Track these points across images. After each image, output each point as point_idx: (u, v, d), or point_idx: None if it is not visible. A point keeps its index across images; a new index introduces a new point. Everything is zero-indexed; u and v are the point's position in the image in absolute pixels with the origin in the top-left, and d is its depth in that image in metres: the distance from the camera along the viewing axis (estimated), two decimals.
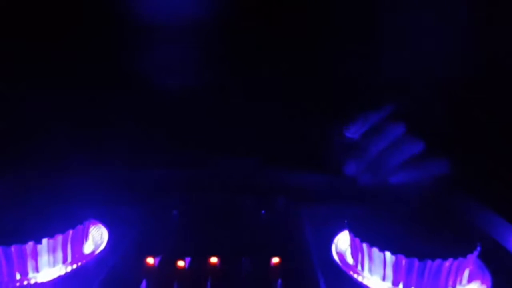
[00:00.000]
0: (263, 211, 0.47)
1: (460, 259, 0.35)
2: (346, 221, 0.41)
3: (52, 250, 0.37)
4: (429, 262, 0.35)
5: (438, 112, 0.55)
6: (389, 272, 0.36)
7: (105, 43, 0.57)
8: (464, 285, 0.37)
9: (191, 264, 0.38)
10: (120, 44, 0.57)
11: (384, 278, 0.37)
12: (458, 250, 0.36)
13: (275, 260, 0.37)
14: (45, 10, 0.56)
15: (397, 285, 0.36)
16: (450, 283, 0.36)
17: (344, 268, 0.39)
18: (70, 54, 0.56)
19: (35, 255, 0.36)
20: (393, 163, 0.48)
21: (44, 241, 0.36)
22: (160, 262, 0.38)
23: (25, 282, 0.36)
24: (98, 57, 0.56)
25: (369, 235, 0.38)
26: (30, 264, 0.36)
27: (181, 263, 0.37)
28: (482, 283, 0.37)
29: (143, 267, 0.37)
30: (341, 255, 0.41)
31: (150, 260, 0.37)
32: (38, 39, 0.56)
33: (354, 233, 0.39)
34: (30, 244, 0.36)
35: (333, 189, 0.52)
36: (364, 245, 0.37)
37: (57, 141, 0.53)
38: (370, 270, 0.38)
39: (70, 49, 0.56)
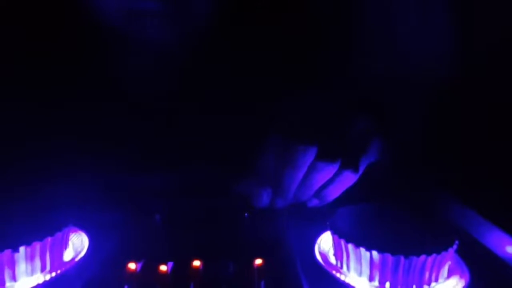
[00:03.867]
0: (246, 214, 0.48)
1: (443, 253, 0.36)
2: (327, 222, 0.41)
3: (30, 258, 0.36)
4: (414, 258, 0.35)
5: (418, 113, 0.55)
6: (375, 270, 0.37)
7: (75, 49, 0.56)
8: (444, 279, 0.38)
9: (173, 269, 0.37)
10: (89, 50, 0.57)
11: (371, 277, 0.37)
12: (439, 245, 0.36)
13: (258, 261, 0.37)
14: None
15: (384, 283, 0.37)
16: (433, 277, 0.37)
17: (327, 268, 0.39)
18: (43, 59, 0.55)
19: (12, 264, 0.35)
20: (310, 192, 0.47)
21: (22, 249, 0.35)
22: (142, 267, 0.37)
23: None
24: (72, 62, 0.56)
25: (353, 235, 0.38)
26: (7, 273, 0.35)
27: (163, 268, 0.37)
28: (461, 277, 0.38)
29: (125, 272, 0.36)
30: (324, 256, 0.41)
31: (132, 266, 0.37)
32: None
33: (338, 234, 0.39)
34: (7, 252, 0.35)
35: None
36: (350, 246, 0.37)
37: (34, 147, 0.52)
38: (355, 270, 0.38)
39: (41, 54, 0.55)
